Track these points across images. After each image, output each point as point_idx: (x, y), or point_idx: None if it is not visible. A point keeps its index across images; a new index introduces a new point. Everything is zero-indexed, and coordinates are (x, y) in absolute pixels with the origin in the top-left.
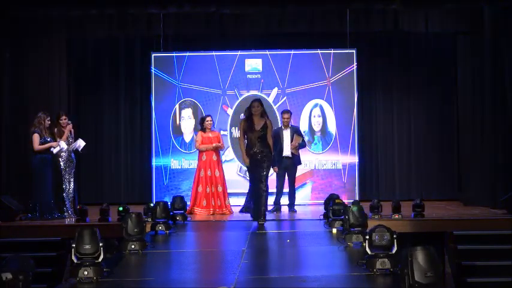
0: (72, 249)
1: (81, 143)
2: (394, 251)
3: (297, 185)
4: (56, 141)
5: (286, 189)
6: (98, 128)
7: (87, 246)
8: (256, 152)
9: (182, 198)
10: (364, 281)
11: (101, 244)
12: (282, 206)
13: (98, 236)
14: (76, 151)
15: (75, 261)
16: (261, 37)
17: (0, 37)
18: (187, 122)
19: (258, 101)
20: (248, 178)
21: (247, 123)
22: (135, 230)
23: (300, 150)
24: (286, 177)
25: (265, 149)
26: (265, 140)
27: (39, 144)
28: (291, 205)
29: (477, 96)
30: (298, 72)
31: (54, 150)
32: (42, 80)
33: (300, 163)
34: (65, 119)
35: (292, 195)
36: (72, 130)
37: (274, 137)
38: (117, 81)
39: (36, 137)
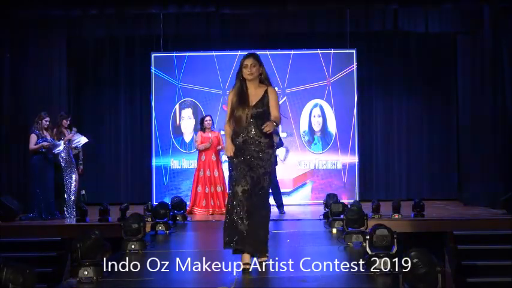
0: (79, 251)
1: (82, 140)
2: (394, 251)
3: (296, 185)
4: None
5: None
6: (98, 128)
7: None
8: (247, 140)
9: (182, 198)
10: (364, 281)
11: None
12: (273, 207)
13: (103, 243)
14: (75, 148)
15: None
16: (261, 37)
17: (0, 37)
18: (187, 122)
19: (253, 56)
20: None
21: (237, 94)
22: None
23: (300, 151)
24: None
25: (264, 138)
26: (265, 121)
27: (35, 144)
28: (279, 207)
29: (477, 96)
30: (298, 72)
31: (43, 148)
32: (42, 80)
33: (276, 164)
34: (67, 120)
35: (277, 197)
36: (72, 133)
37: None
38: (117, 81)
39: (32, 137)
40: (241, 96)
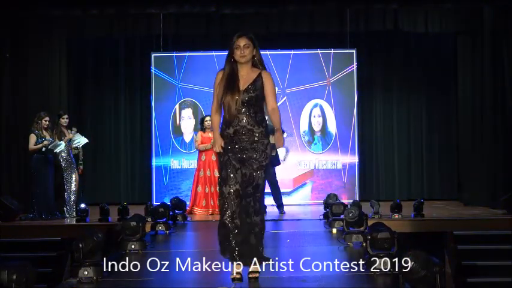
0: (81, 251)
1: (82, 140)
2: (394, 251)
3: (296, 185)
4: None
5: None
6: (98, 128)
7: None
8: (238, 130)
9: (181, 199)
10: (364, 281)
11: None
12: (269, 207)
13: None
14: (75, 148)
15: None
16: (261, 37)
17: (0, 37)
18: (187, 122)
19: (247, 36)
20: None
21: (225, 78)
22: None
23: (300, 151)
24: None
25: (258, 127)
26: (258, 108)
27: (35, 145)
28: (279, 207)
29: (477, 96)
30: (298, 72)
31: (44, 149)
32: (42, 80)
33: (278, 163)
34: (65, 119)
35: (276, 197)
36: (72, 133)
37: None
38: (117, 81)
39: (32, 137)
40: (230, 80)
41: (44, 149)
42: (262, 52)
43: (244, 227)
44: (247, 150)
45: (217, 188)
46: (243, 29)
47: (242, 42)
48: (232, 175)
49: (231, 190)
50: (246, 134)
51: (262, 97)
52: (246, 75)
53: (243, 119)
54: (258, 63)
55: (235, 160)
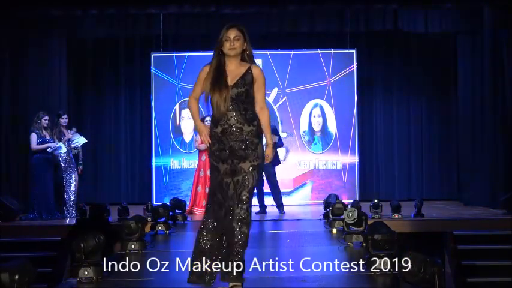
0: (82, 250)
1: (81, 140)
2: (394, 251)
3: (296, 185)
4: (55, 141)
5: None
6: (98, 128)
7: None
8: (226, 129)
9: (180, 199)
10: (364, 281)
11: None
12: (269, 207)
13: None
14: (74, 148)
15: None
16: (261, 37)
17: (0, 37)
18: (187, 122)
19: (238, 28)
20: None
21: (212, 72)
22: None
23: (300, 151)
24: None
25: (248, 125)
26: (248, 105)
27: (37, 144)
28: (279, 207)
29: (477, 96)
30: (298, 72)
31: (49, 149)
32: (42, 80)
33: (278, 162)
34: (64, 118)
35: (276, 197)
36: (71, 132)
37: None
38: (117, 81)
39: (33, 137)
40: (217, 75)
41: (49, 150)
42: (262, 52)
43: (232, 237)
44: (236, 152)
45: (206, 190)
46: None
47: (232, 33)
48: (222, 190)
49: (226, 206)
50: (235, 133)
51: (253, 92)
52: (234, 70)
53: (231, 117)
54: (247, 58)
55: (225, 174)
